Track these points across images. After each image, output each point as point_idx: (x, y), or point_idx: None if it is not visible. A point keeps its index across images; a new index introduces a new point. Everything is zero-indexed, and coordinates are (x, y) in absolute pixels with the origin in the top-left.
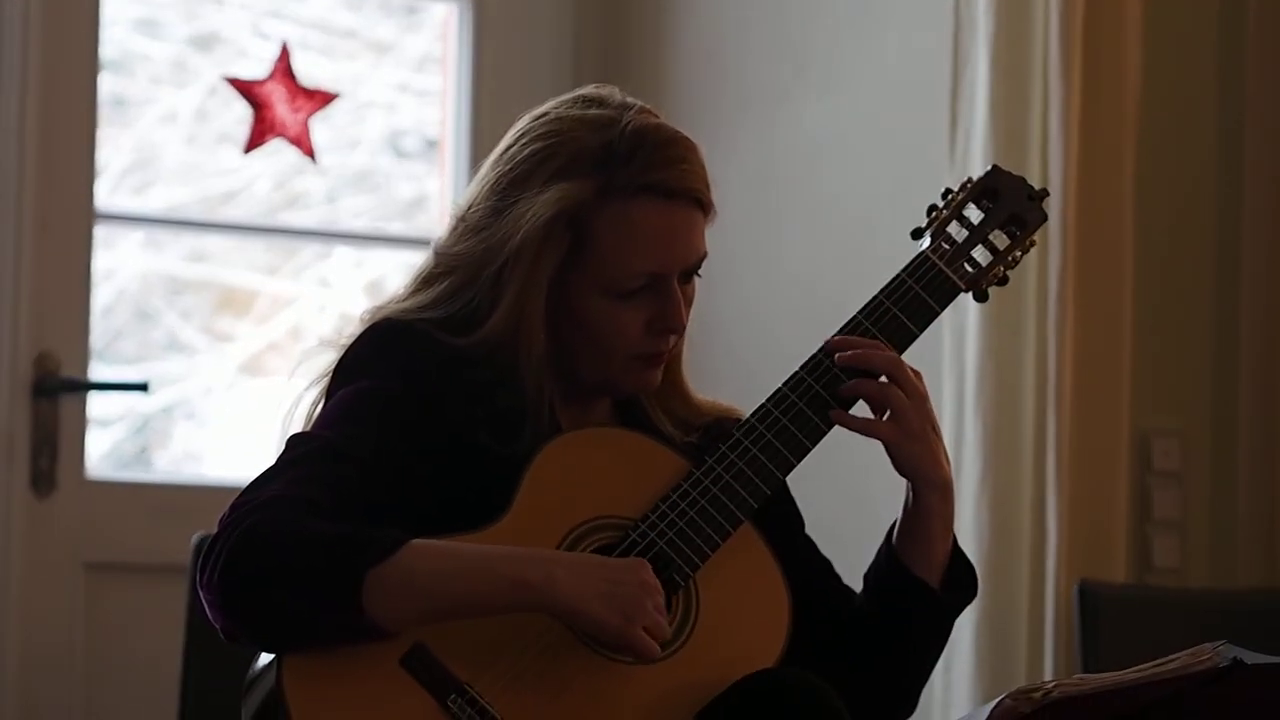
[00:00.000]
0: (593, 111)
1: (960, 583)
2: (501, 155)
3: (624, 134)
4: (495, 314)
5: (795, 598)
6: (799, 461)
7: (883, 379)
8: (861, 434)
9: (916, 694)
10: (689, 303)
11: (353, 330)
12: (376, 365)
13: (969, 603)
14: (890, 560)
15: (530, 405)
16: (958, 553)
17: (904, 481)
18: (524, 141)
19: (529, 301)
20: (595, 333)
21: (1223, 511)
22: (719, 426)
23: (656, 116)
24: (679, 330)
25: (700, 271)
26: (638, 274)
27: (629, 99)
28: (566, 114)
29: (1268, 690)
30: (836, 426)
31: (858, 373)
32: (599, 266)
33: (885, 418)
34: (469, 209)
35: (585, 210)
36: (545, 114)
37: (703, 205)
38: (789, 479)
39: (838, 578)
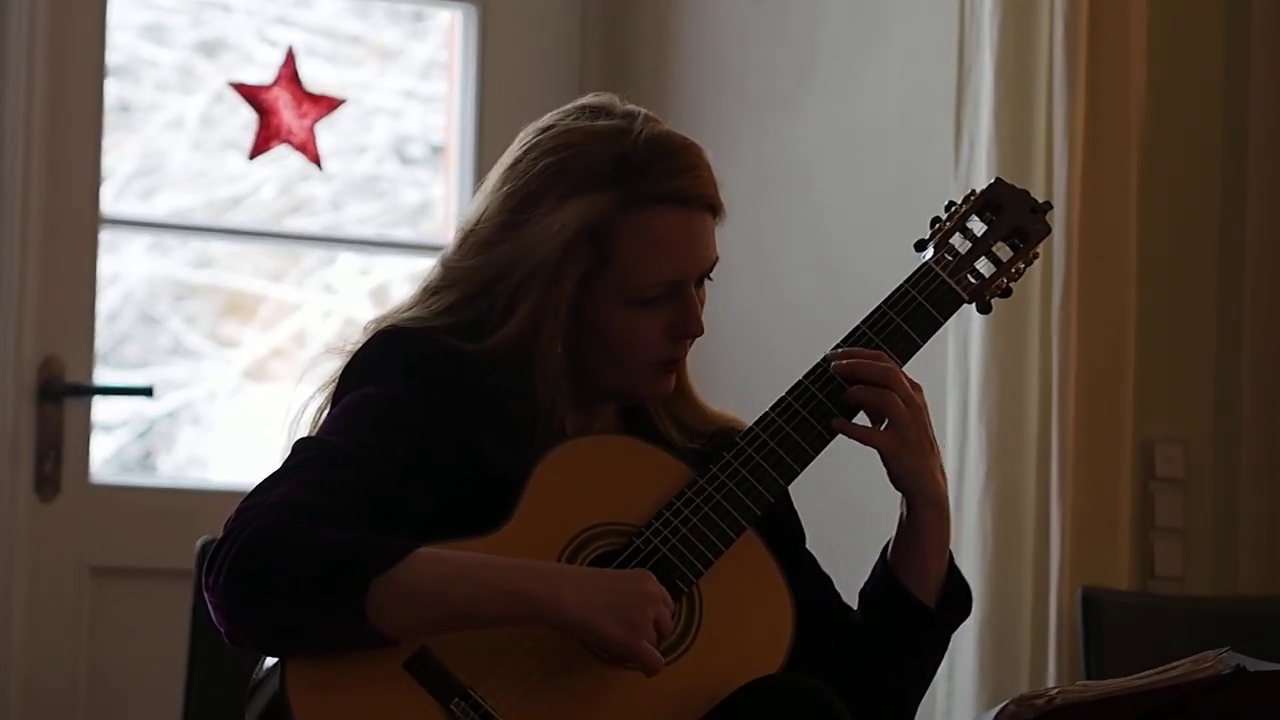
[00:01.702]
0: (601, 123)
1: (956, 600)
2: (511, 169)
3: (638, 144)
4: (509, 323)
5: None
6: (802, 469)
7: (882, 389)
8: (860, 442)
9: (913, 709)
10: (703, 306)
11: (359, 336)
12: (383, 371)
13: (964, 620)
14: (885, 577)
15: (541, 414)
16: (953, 569)
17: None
18: (534, 156)
19: (548, 314)
20: (617, 342)
21: (1226, 519)
22: (723, 436)
23: (661, 123)
24: (699, 333)
25: (711, 275)
26: (659, 282)
27: (630, 106)
28: (575, 126)
29: (1270, 698)
30: (840, 436)
31: (857, 382)
32: (621, 277)
33: (883, 428)
34: (478, 223)
35: (606, 222)
36: (551, 126)
37: (715, 209)
38: (791, 493)
39: (837, 595)
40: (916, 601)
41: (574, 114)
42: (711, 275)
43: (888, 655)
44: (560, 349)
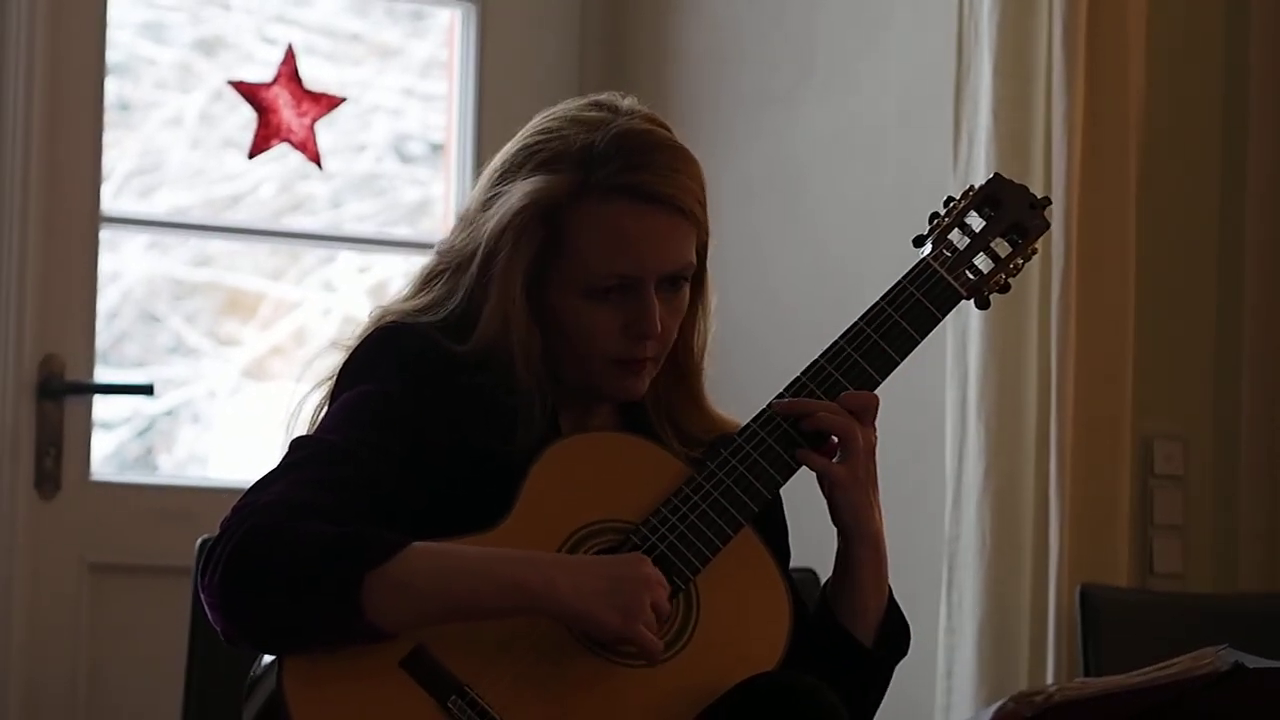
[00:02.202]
0: (591, 113)
1: (894, 637)
2: (503, 151)
3: (609, 135)
4: (483, 316)
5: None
6: (799, 465)
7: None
8: (819, 471)
9: None
10: (677, 312)
11: (359, 331)
12: (380, 368)
13: (902, 657)
14: (824, 616)
15: (523, 403)
16: (893, 605)
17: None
18: (523, 137)
19: (510, 296)
20: (572, 333)
21: (1224, 516)
22: (721, 439)
23: (659, 125)
24: (652, 335)
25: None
26: (609, 274)
27: (638, 107)
28: (566, 113)
29: (1269, 694)
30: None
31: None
32: (573, 264)
33: (836, 460)
34: (469, 204)
35: (560, 206)
36: (551, 113)
37: (685, 213)
38: (788, 500)
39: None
40: (854, 641)
41: (580, 105)
42: (685, 278)
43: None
44: (538, 339)
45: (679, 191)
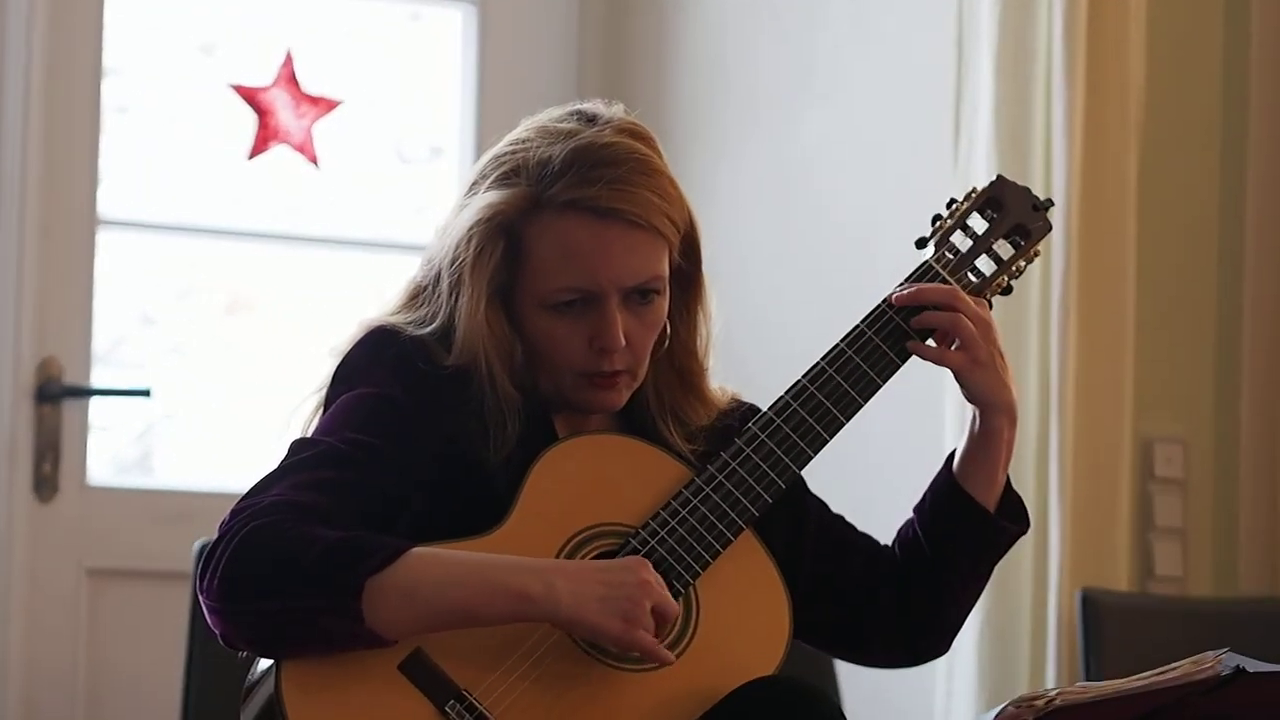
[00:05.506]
0: (565, 124)
1: (1013, 515)
2: (479, 159)
3: (568, 149)
4: (459, 327)
5: (818, 569)
6: (815, 456)
7: (950, 311)
8: (935, 363)
9: (954, 629)
10: (652, 325)
11: (351, 336)
12: (375, 371)
13: (1021, 534)
14: (948, 484)
15: (494, 412)
16: (1010, 487)
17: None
18: (498, 146)
19: (475, 309)
20: (539, 346)
21: (1225, 519)
22: (725, 432)
23: (631, 135)
24: (614, 349)
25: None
26: (563, 289)
27: (617, 116)
28: (540, 124)
29: (1270, 699)
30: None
31: (923, 307)
32: (532, 278)
33: (954, 348)
34: (447, 214)
35: (516, 220)
36: (530, 122)
37: (642, 226)
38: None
39: (854, 528)
40: (980, 507)
41: (561, 114)
42: (654, 290)
43: (942, 562)
44: (519, 348)
45: (634, 205)
